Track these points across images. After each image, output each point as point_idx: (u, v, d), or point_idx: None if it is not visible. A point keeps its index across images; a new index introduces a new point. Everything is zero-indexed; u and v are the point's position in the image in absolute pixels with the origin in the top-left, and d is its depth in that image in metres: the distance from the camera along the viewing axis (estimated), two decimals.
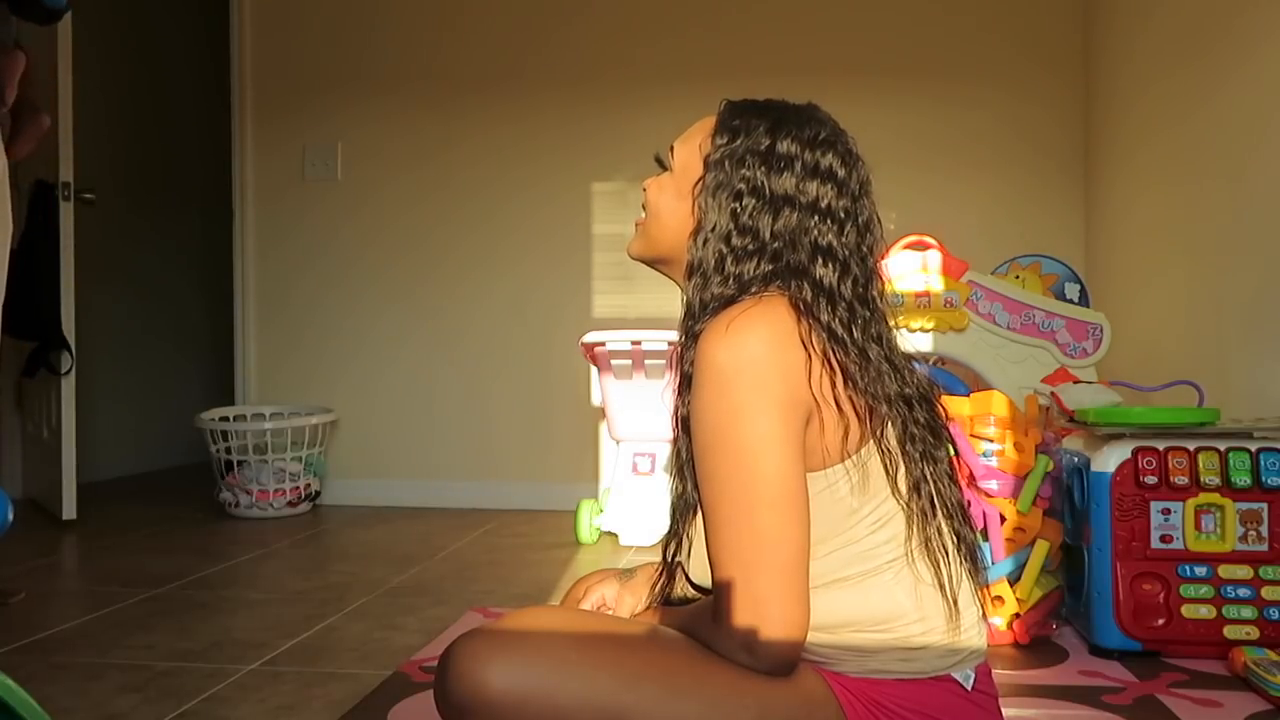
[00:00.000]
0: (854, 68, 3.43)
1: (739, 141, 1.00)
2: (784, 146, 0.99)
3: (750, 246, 0.97)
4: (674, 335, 1.09)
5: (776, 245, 0.97)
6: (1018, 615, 1.84)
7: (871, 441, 0.94)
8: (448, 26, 3.69)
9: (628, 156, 3.47)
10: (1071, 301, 2.68)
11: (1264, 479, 1.76)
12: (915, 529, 0.94)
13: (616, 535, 2.99)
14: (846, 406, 0.92)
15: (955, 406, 1.94)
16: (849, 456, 0.93)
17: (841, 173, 0.99)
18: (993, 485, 1.91)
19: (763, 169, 0.98)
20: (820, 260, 0.96)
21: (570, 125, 3.60)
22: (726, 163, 0.99)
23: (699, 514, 0.95)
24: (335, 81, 3.74)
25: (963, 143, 3.44)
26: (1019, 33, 3.43)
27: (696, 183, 1.01)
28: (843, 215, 0.98)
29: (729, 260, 0.98)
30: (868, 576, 0.94)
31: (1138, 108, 2.95)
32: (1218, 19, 2.43)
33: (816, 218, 0.97)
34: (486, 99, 3.64)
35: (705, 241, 0.99)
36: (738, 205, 0.98)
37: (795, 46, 3.48)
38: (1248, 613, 1.74)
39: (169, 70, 4.89)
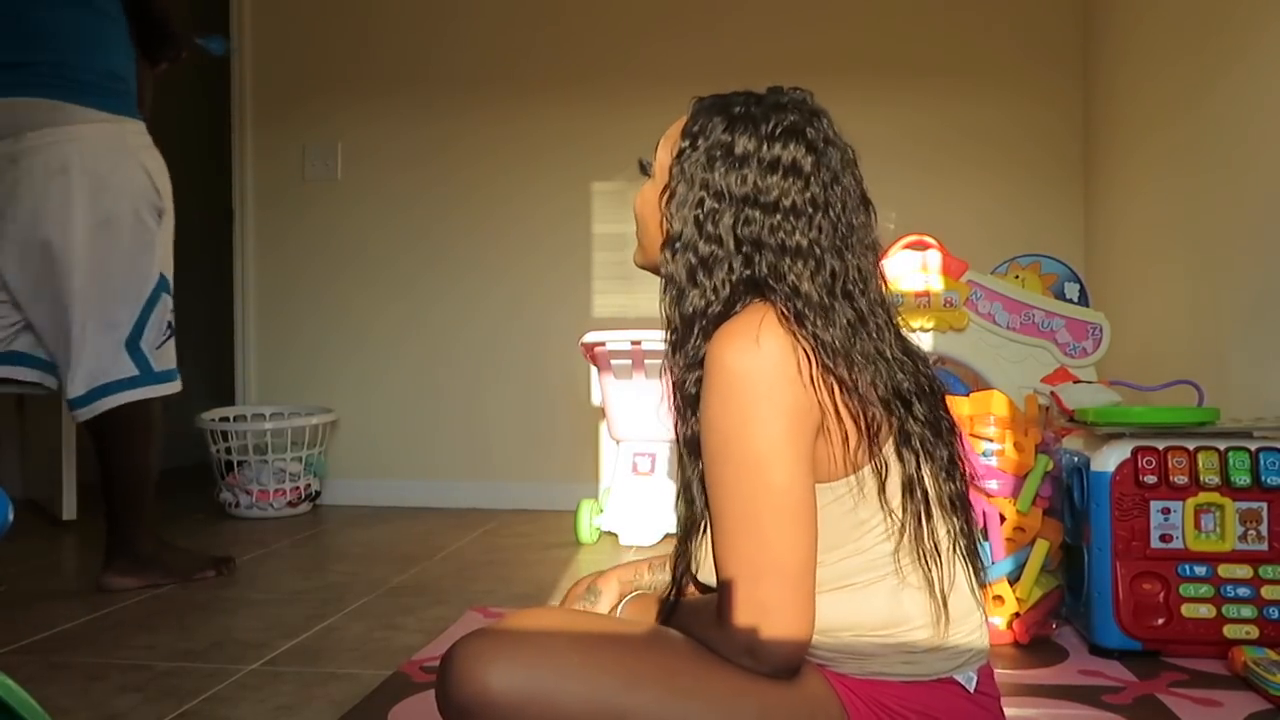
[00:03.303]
0: (853, 66, 3.43)
1: (699, 144, 0.97)
2: (740, 144, 0.95)
3: (719, 253, 0.94)
4: None
5: (745, 250, 0.94)
6: (1018, 615, 1.84)
7: (877, 450, 0.92)
8: (448, 26, 3.69)
9: (628, 156, 3.40)
10: (1071, 301, 2.68)
11: (1264, 478, 1.76)
12: (915, 535, 0.93)
13: (616, 535, 2.99)
14: (845, 413, 0.91)
15: (955, 406, 1.94)
16: (856, 470, 0.91)
17: (807, 163, 0.95)
18: (993, 485, 1.91)
19: (721, 170, 0.95)
20: (789, 260, 0.93)
21: (570, 125, 3.60)
22: (686, 167, 0.97)
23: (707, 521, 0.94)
24: (335, 81, 3.74)
25: (962, 141, 3.43)
26: (1019, 30, 3.43)
27: (663, 191, 0.99)
28: (810, 209, 0.94)
29: (700, 271, 0.95)
30: (872, 583, 0.93)
31: (1137, 104, 2.95)
32: (1216, 14, 2.43)
33: (779, 215, 0.93)
34: (486, 98, 3.64)
35: (675, 254, 0.97)
36: (700, 211, 0.95)
37: (795, 45, 3.48)
38: (1247, 612, 1.74)
39: (168, 70, 4.87)
